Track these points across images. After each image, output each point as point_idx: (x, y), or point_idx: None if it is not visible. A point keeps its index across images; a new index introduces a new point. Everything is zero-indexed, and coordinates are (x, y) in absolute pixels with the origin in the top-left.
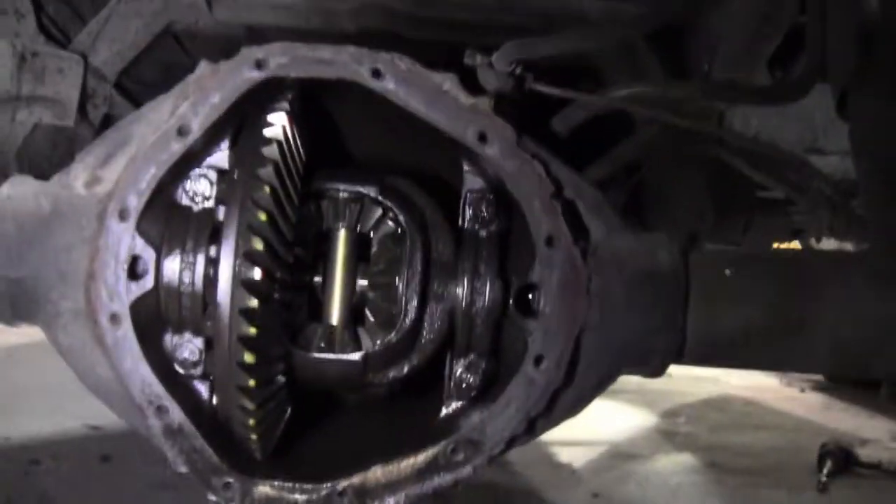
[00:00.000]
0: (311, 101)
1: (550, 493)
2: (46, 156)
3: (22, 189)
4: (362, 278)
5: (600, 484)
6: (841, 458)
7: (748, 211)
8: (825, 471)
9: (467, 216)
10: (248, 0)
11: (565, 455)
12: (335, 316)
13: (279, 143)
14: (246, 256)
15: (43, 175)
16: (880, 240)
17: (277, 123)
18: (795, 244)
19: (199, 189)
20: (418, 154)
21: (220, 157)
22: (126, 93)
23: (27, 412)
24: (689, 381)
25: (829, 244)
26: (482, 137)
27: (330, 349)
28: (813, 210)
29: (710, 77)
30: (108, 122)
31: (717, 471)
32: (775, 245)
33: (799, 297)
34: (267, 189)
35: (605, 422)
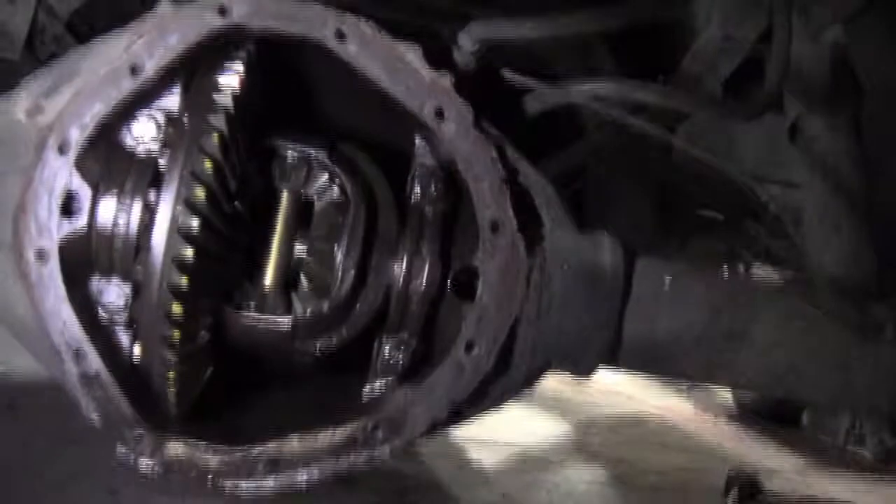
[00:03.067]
0: (271, 53)
1: (459, 490)
2: None
3: None
4: (301, 243)
5: (509, 486)
6: (746, 487)
7: (685, 230)
8: (731, 498)
9: (415, 192)
10: None
11: (475, 453)
12: (269, 278)
13: (234, 92)
14: (186, 204)
15: None
16: (816, 274)
17: (234, 72)
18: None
19: (145, 132)
20: (372, 120)
21: (171, 101)
22: (76, 34)
23: None
24: (606, 394)
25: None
26: (439, 114)
27: (260, 311)
28: (753, 235)
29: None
30: None
31: (625, 486)
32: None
33: (736, 313)
34: (216, 137)
35: (518, 426)
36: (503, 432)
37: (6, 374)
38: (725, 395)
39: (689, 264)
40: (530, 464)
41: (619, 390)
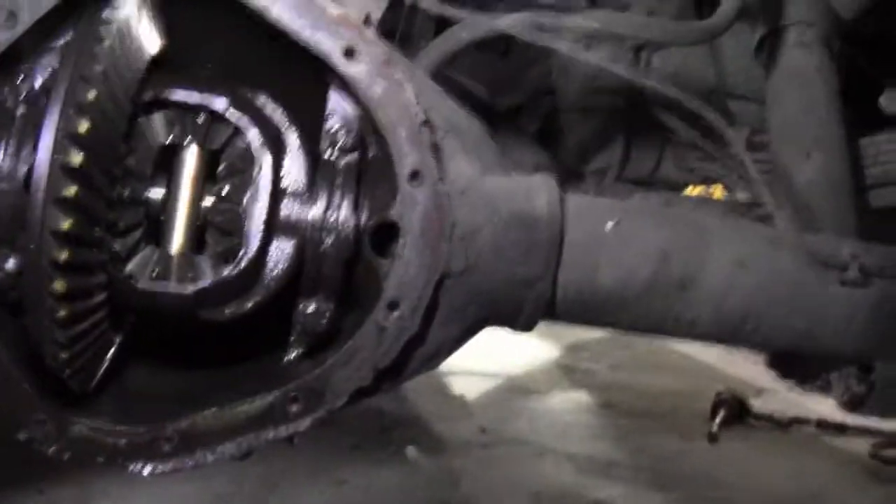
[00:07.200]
0: None
1: (438, 424)
2: None
3: None
4: (206, 202)
5: (490, 418)
6: (734, 408)
7: (660, 147)
8: (717, 420)
9: (327, 141)
10: None
11: (458, 385)
12: (175, 241)
13: (118, 32)
14: (69, 138)
15: None
16: (781, 200)
17: (117, 10)
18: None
19: (29, 87)
20: (279, 65)
21: (56, 55)
22: None
23: None
24: None
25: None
26: (349, 53)
27: (164, 278)
28: (722, 161)
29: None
30: None
31: (611, 412)
32: (690, 189)
33: (684, 257)
34: (98, 67)
35: (506, 354)
36: (488, 362)
37: None
38: None
39: (634, 204)
40: (514, 393)
41: None
